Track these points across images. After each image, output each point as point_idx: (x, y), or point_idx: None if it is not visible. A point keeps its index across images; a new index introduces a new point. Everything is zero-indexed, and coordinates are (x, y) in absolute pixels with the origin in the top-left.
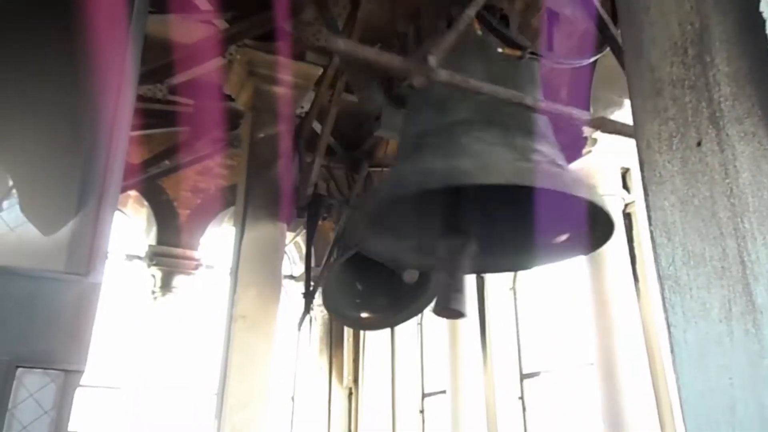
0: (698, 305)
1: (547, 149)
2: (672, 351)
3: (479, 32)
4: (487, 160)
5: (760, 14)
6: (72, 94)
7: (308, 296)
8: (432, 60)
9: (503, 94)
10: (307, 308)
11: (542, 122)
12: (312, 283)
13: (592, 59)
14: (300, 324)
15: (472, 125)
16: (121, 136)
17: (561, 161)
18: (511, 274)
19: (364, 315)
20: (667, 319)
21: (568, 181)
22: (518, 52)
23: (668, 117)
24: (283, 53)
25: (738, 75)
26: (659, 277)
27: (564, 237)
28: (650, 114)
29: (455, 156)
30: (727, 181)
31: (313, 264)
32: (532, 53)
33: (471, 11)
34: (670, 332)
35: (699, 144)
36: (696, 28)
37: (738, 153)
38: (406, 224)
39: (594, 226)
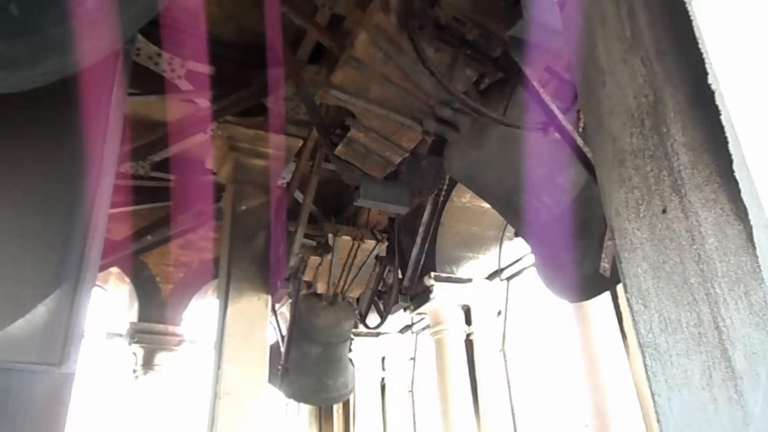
0: (680, 372)
1: None
2: (658, 420)
3: None
4: None
5: (709, 86)
6: (49, 177)
7: (286, 370)
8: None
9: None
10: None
11: None
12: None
13: None
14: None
15: None
16: (100, 217)
17: None
18: (499, 336)
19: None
20: (650, 387)
21: None
22: None
23: (633, 186)
24: (263, 127)
25: (694, 144)
26: (639, 345)
27: None
28: (616, 183)
29: None
30: (695, 247)
31: None
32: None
33: None
34: (654, 401)
35: (664, 211)
36: (650, 100)
37: (702, 219)
38: None
39: None
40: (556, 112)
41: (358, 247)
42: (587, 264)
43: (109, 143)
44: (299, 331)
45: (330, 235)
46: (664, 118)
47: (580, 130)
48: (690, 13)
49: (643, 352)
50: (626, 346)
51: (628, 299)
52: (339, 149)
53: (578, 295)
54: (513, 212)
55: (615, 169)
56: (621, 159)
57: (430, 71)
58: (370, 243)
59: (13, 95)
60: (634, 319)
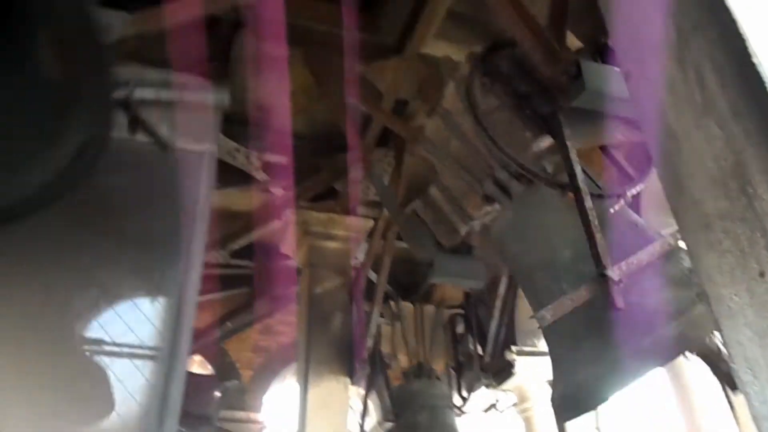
0: None
1: None
2: None
3: None
4: None
5: None
6: (140, 270)
7: None
8: None
9: None
10: None
11: None
12: None
13: None
14: None
15: None
16: (189, 308)
17: None
18: (593, 412)
19: None
20: None
21: None
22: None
23: (724, 250)
24: (335, 211)
25: None
26: (754, 418)
27: None
28: (704, 247)
29: None
30: None
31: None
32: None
33: None
34: None
35: (762, 275)
36: (731, 163)
37: None
38: None
39: None
40: (580, 175)
41: (422, 311)
42: (592, 369)
43: (197, 236)
44: (396, 409)
45: (392, 303)
46: (749, 179)
47: (612, 211)
48: (762, 75)
49: (758, 426)
50: (735, 417)
51: (734, 369)
52: (417, 206)
53: (579, 406)
54: (533, 293)
55: (702, 233)
56: (707, 223)
57: (476, 120)
58: (430, 306)
59: (107, 190)
60: (744, 391)
